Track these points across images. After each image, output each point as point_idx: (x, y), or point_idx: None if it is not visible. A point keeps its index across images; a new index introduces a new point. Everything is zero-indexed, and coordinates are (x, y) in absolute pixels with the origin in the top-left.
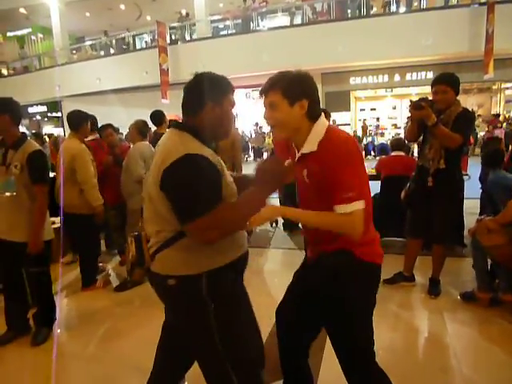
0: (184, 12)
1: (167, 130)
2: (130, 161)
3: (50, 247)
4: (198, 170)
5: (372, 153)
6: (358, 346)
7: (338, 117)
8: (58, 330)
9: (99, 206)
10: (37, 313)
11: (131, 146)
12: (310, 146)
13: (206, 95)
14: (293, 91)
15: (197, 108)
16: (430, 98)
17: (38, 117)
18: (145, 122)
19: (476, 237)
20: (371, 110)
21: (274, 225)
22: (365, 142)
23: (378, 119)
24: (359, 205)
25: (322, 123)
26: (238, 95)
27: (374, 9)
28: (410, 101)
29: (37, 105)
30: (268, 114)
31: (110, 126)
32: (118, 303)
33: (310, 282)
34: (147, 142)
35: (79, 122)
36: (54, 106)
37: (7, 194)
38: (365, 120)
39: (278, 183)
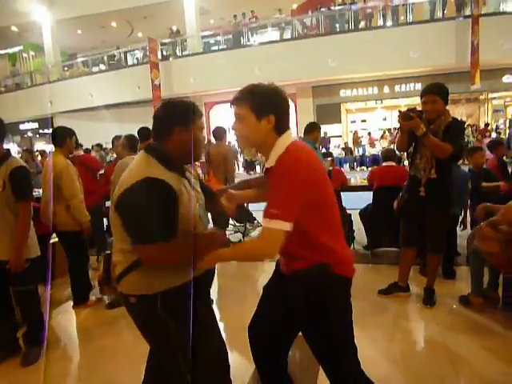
0: (175, 28)
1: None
2: (115, 176)
3: (36, 265)
4: (152, 196)
5: (360, 165)
6: (338, 360)
7: (330, 129)
8: (48, 349)
9: (87, 222)
10: (26, 332)
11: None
12: (271, 160)
13: (174, 121)
14: (261, 106)
15: (164, 133)
16: (419, 108)
17: (30, 133)
18: (132, 137)
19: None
20: (362, 121)
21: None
22: (356, 153)
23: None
24: (282, 225)
25: (285, 139)
26: (230, 109)
27: (362, 23)
28: (399, 111)
29: (28, 121)
30: (236, 125)
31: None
32: (110, 320)
33: (293, 297)
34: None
35: (62, 137)
36: (45, 122)
37: None
38: (356, 132)
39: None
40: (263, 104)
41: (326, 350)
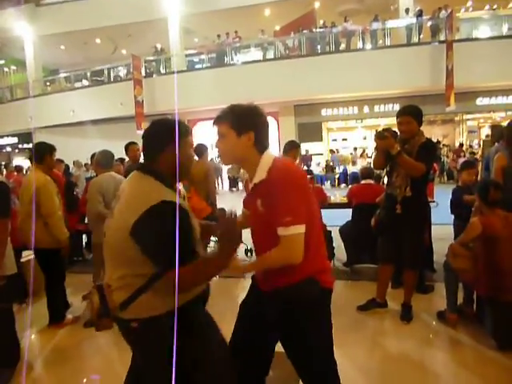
0: (159, 46)
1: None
2: (88, 195)
3: (12, 283)
4: (172, 219)
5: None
6: (323, 372)
7: (311, 147)
8: (22, 372)
9: (65, 240)
10: None
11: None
12: (260, 174)
13: (164, 139)
14: (240, 123)
15: (156, 153)
16: (395, 129)
17: (9, 148)
18: (106, 153)
19: (448, 259)
20: (343, 140)
21: (249, 254)
22: (338, 170)
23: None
24: (298, 229)
25: (269, 154)
26: (213, 127)
27: (343, 45)
28: (376, 131)
29: (7, 136)
30: (218, 143)
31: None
32: (87, 340)
33: (275, 314)
34: (112, 173)
35: (42, 154)
36: (25, 137)
37: None
38: (337, 150)
39: (234, 244)
40: (243, 121)
41: (312, 364)
